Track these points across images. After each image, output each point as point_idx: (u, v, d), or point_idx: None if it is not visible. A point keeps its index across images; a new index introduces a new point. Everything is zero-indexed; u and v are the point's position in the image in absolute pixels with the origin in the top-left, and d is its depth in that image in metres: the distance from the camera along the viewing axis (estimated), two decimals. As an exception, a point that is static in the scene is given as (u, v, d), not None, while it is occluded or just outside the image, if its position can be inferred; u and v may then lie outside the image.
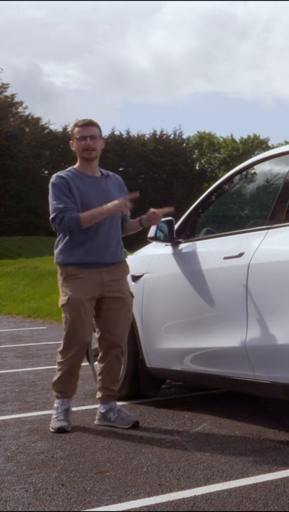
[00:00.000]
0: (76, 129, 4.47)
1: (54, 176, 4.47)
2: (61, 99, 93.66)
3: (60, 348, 4.50)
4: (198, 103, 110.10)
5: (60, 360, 4.50)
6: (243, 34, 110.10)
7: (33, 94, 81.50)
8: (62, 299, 4.44)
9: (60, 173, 4.49)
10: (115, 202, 4.32)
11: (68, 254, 4.40)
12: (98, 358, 4.61)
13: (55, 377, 4.53)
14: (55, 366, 4.58)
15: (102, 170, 4.57)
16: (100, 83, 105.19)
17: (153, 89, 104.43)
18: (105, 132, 64.65)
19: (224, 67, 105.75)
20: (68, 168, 4.54)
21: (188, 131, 73.34)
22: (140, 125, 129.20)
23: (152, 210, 4.51)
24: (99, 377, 4.58)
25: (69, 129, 55.14)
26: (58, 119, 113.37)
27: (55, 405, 4.51)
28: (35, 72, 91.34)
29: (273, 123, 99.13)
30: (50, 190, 4.43)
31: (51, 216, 4.38)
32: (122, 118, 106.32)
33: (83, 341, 4.44)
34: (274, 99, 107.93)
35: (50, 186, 4.43)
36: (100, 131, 4.52)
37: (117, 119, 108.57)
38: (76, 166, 4.54)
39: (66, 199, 4.36)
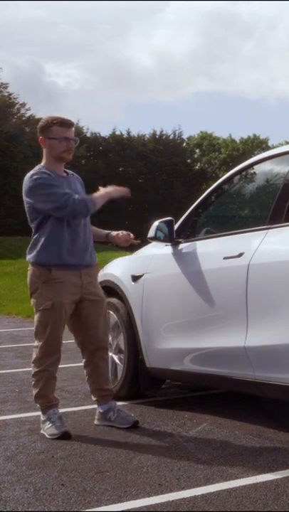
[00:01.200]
0: (56, 128, 4.31)
1: (36, 174, 4.27)
2: (64, 98, 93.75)
3: (36, 356, 4.34)
4: (201, 102, 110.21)
5: (37, 370, 4.33)
6: (246, 33, 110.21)
7: (36, 94, 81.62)
8: (43, 303, 4.28)
9: (39, 171, 4.30)
10: (114, 187, 4.34)
11: (51, 255, 4.28)
12: (83, 363, 4.54)
13: (36, 390, 4.36)
14: (32, 378, 4.39)
15: (66, 170, 4.48)
16: (103, 83, 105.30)
17: (156, 88, 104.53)
18: (106, 132, 64.57)
19: (227, 66, 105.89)
20: (39, 168, 4.35)
21: (192, 131, 73.22)
22: (143, 124, 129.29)
23: (119, 234, 4.60)
24: (90, 381, 4.53)
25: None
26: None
27: (46, 417, 4.35)
28: (38, 72, 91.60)
29: (277, 122, 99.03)
30: (38, 187, 4.22)
31: (56, 204, 4.17)
32: (125, 117, 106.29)
33: (61, 347, 4.38)
34: (277, 98, 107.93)
35: (34, 184, 4.23)
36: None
37: (120, 119, 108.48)
38: (45, 165, 4.38)
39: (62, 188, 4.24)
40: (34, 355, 4.38)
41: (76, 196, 4.22)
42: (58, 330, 4.32)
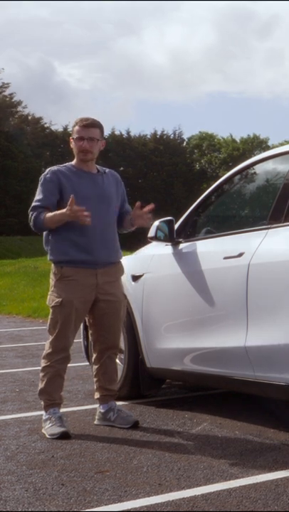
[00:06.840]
0: (76, 128, 4.40)
1: (48, 169, 4.45)
2: (75, 97, 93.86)
3: (46, 351, 4.40)
4: (212, 102, 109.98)
5: (45, 365, 4.39)
6: (261, 31, 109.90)
7: (46, 94, 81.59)
8: (54, 300, 4.34)
9: (54, 167, 4.45)
10: (73, 209, 4.19)
11: (62, 252, 4.32)
12: (93, 359, 4.58)
13: (42, 385, 4.40)
14: (40, 373, 4.45)
15: (98, 167, 4.53)
16: (114, 81, 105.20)
17: (168, 87, 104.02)
18: (105, 132, 64.79)
19: (242, 64, 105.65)
20: (65, 164, 4.49)
21: (199, 130, 72.62)
22: (153, 123, 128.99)
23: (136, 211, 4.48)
24: (95, 379, 4.56)
25: (70, 129, 55.23)
26: (71, 117, 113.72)
27: (47, 416, 4.37)
28: (49, 71, 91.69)
29: (284, 122, 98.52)
30: (41, 181, 4.40)
31: (33, 204, 4.37)
32: (135, 116, 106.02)
33: (70, 345, 4.40)
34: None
35: (42, 176, 4.41)
36: (102, 132, 4.45)
37: (130, 117, 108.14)
38: (73, 162, 4.49)
39: (46, 197, 4.31)
40: (44, 351, 4.43)
41: (36, 214, 4.29)
42: (67, 328, 4.33)
